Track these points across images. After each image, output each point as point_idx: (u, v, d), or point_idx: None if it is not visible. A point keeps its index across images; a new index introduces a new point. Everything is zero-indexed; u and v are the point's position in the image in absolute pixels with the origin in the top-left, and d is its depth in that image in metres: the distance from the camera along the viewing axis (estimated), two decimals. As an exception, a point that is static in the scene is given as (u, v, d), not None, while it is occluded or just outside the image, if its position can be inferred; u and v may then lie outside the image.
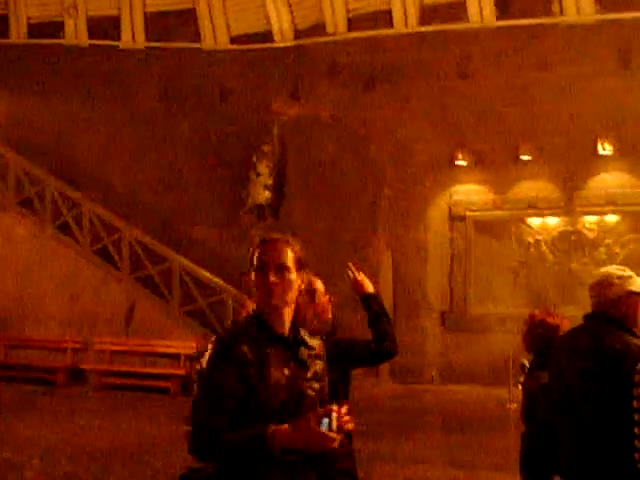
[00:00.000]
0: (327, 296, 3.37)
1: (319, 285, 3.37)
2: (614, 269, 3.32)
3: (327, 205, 12.14)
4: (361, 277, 3.60)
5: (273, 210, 12.42)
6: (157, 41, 13.15)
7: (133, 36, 13.35)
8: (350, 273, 3.60)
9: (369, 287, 3.57)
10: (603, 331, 3.20)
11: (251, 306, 8.34)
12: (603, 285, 3.26)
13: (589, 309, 3.29)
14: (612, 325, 3.22)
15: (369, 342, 3.44)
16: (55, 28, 13.75)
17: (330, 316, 3.40)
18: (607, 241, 11.07)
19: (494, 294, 11.56)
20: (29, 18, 13.92)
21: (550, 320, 4.01)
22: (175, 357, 11.54)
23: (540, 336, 4.03)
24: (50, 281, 12.24)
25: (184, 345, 11.49)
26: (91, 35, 13.51)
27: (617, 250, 10.96)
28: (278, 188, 12.35)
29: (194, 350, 11.25)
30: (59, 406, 10.15)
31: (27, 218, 12.71)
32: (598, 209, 11.10)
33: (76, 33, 13.57)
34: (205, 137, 12.84)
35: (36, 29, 13.95)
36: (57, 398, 10.77)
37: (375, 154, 12.01)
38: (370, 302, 3.51)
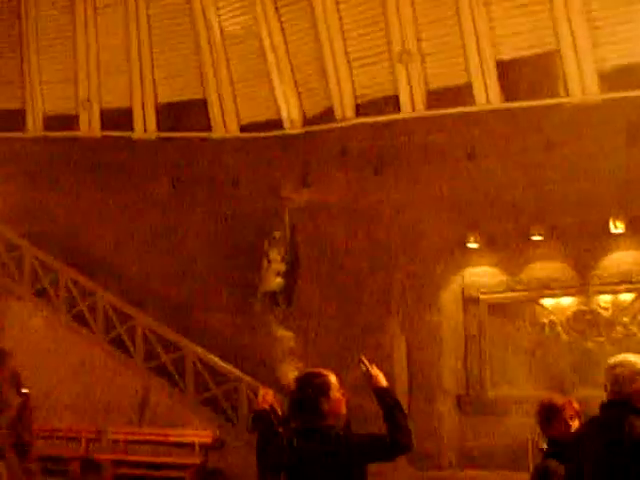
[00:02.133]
0: (341, 390, 3.71)
1: (333, 379, 3.72)
2: (633, 358, 3.52)
3: (339, 290, 12.52)
4: (374, 371, 3.86)
5: (286, 296, 12.84)
6: (168, 131, 13.99)
7: (145, 127, 14.24)
8: (363, 366, 3.84)
9: (382, 381, 3.84)
10: (631, 422, 3.34)
11: (265, 399, 8.53)
12: (626, 379, 3.43)
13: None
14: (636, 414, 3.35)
15: (384, 437, 3.68)
16: (70, 121, 14.71)
17: (344, 411, 3.76)
18: (623, 319, 11.27)
19: (510, 376, 11.78)
20: (45, 112, 14.93)
21: (556, 402, 4.30)
22: (190, 446, 12.02)
23: (549, 420, 4.34)
24: (64, 370, 12.89)
25: (199, 434, 11.97)
26: (104, 127, 14.47)
27: (634, 329, 11.18)
28: (290, 274, 12.78)
29: (209, 439, 11.86)
30: (73, 499, 10.66)
31: (42, 308, 13.47)
32: (612, 287, 11.32)
33: (90, 125, 14.56)
34: (216, 224, 13.47)
35: (52, 122, 14.92)
36: (71, 490, 11.33)
37: (385, 238, 12.41)
38: (383, 396, 3.76)
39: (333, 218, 12.79)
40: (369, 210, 12.60)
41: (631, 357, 3.62)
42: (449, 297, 12.23)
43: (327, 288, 12.65)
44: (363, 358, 3.82)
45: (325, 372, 3.75)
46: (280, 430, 8.99)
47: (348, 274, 12.53)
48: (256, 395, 9.86)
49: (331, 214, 12.80)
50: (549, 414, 4.34)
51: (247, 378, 12.05)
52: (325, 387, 3.67)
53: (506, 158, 12.02)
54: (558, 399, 4.44)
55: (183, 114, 14.10)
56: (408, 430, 3.69)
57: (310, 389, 3.71)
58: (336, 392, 3.71)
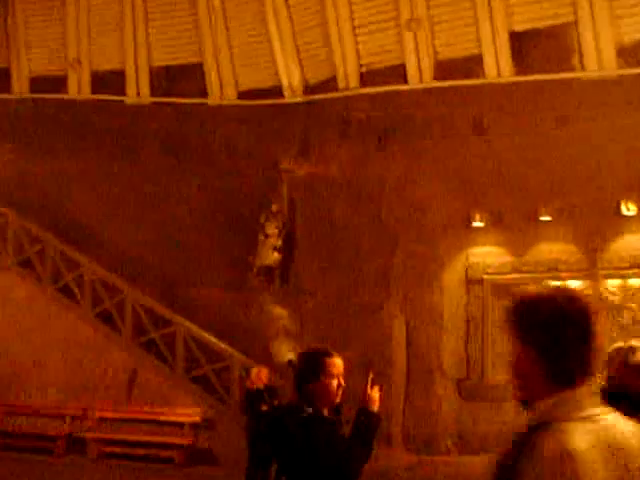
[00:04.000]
0: (336, 376, 3.74)
1: (330, 361, 3.75)
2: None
3: (338, 267, 12.75)
4: (373, 393, 3.91)
5: (282, 272, 13.07)
6: (163, 96, 14.13)
7: (138, 91, 14.39)
8: (366, 386, 3.90)
9: (374, 405, 3.89)
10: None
11: (259, 376, 8.74)
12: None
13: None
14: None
15: (336, 456, 3.71)
16: (59, 83, 14.86)
17: (333, 398, 3.80)
18: (631, 305, 11.59)
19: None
20: (32, 72, 15.08)
21: None
22: (179, 425, 12.32)
23: None
24: (49, 345, 13.13)
25: (188, 413, 12.25)
26: (95, 90, 14.63)
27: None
28: (287, 249, 13.01)
29: (199, 418, 12.18)
30: (57, 476, 11.02)
31: (27, 279, 13.69)
32: (622, 272, 11.61)
33: (79, 88, 14.74)
34: (211, 195, 13.64)
35: (39, 84, 15.05)
36: (55, 467, 11.65)
37: (387, 214, 12.67)
38: (364, 420, 3.81)
39: (333, 192, 13.00)
40: (371, 185, 12.81)
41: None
42: (452, 277, 12.47)
43: (325, 265, 12.83)
44: (370, 376, 3.92)
45: (328, 352, 3.82)
46: (274, 407, 9.07)
47: (347, 251, 12.73)
48: (249, 374, 10.56)
49: (331, 188, 13.00)
50: None
51: (240, 356, 12.28)
52: (318, 368, 3.75)
53: (516, 134, 12.21)
54: None
55: (178, 79, 14.23)
56: (360, 462, 3.77)
57: (303, 366, 3.82)
58: (328, 376, 3.77)
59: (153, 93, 14.26)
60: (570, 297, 2.19)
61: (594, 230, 11.78)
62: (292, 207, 13.28)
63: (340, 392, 3.71)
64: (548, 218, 12.02)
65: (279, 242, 13.02)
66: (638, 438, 2.13)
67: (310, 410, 3.69)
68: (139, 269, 13.59)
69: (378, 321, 12.38)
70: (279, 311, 13.06)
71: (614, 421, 2.16)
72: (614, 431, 2.13)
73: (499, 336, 12.15)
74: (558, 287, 2.30)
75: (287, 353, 12.37)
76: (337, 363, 3.73)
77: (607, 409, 2.16)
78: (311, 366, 3.74)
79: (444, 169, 12.53)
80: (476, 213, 12.34)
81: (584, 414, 2.12)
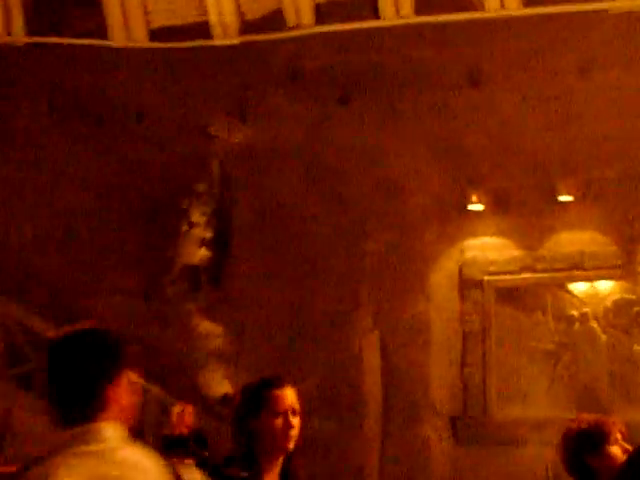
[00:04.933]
0: (288, 418, 3.81)
1: (289, 394, 3.83)
2: None
3: (290, 268, 12.34)
4: None
5: (213, 275, 12.62)
6: (44, 35, 12.76)
7: (9, 28, 13.11)
8: None
9: None
10: None
11: (183, 418, 8.19)
12: None
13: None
14: None
15: None
16: None
17: (290, 446, 3.85)
18: None
19: (525, 391, 11.68)
20: None
21: (591, 427, 4.20)
22: None
23: (576, 451, 4.24)
24: None
25: None
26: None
27: None
28: (219, 244, 12.58)
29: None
30: None
31: None
32: None
33: None
34: (114, 172, 13.00)
35: None
36: None
37: (355, 196, 12.23)
38: None
39: (282, 167, 12.53)
40: (332, 157, 12.37)
41: None
42: (441, 279, 12.16)
43: (272, 265, 12.43)
44: None
45: (275, 381, 3.88)
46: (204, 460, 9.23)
47: (302, 246, 12.35)
48: (169, 414, 10.35)
49: (279, 161, 12.52)
50: (583, 442, 4.21)
51: (155, 390, 11.70)
52: (258, 402, 3.82)
53: (524, 86, 11.82)
54: (597, 420, 4.32)
55: (65, 12, 13.21)
56: None
57: (240, 402, 3.90)
58: (271, 413, 3.80)
59: (30, 31, 12.87)
60: None
61: (632, 212, 11.46)
62: (226, 187, 12.81)
63: (292, 434, 3.76)
64: (569, 198, 11.62)
65: (208, 234, 12.63)
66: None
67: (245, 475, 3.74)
68: (16, 275, 12.75)
69: (344, 339, 12.00)
70: (209, 327, 12.61)
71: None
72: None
73: (506, 356, 11.88)
74: None
75: (221, 385, 12.23)
76: (286, 396, 3.80)
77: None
78: (249, 400, 3.83)
79: (429, 134, 12.09)
80: (473, 192, 11.94)
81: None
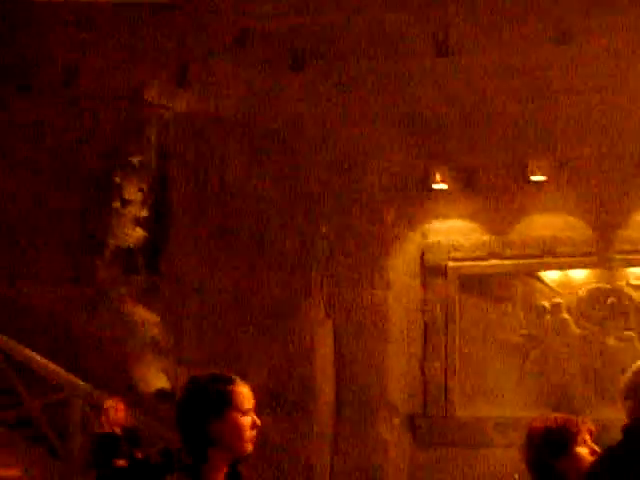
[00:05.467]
0: (253, 416, 3.71)
1: (249, 392, 3.69)
2: None
3: (234, 251, 12.20)
4: None
5: (149, 258, 12.46)
6: None
7: None
8: None
9: None
10: None
11: (115, 415, 8.21)
12: None
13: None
14: None
15: None
16: None
17: (250, 449, 3.73)
18: None
19: (491, 387, 11.62)
20: None
21: (557, 427, 4.19)
22: None
23: (541, 452, 4.23)
24: None
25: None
26: None
27: None
28: (157, 224, 12.42)
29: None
30: None
31: None
32: None
33: None
34: (35, 142, 12.83)
35: None
36: None
37: (307, 171, 12.13)
38: None
39: (227, 139, 12.39)
40: (283, 129, 12.26)
41: None
42: (401, 265, 12.04)
43: (215, 248, 12.28)
44: None
45: (232, 378, 3.68)
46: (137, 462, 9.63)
47: (249, 227, 12.23)
48: (100, 411, 10.23)
49: (224, 133, 12.38)
50: (548, 441, 4.22)
51: (84, 385, 11.50)
52: (223, 399, 3.62)
53: (496, 54, 11.81)
54: (563, 418, 4.30)
55: None
56: None
57: (200, 399, 3.66)
58: (239, 411, 3.61)
59: None
60: None
61: (610, 195, 11.35)
62: (164, 160, 12.56)
63: (255, 435, 3.69)
64: (542, 178, 11.56)
65: (144, 212, 12.43)
66: None
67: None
68: None
69: (293, 330, 11.89)
70: (145, 315, 12.46)
71: None
72: None
73: (471, 350, 11.82)
74: None
75: (157, 379, 12.05)
76: (249, 392, 3.70)
77: None
78: (209, 397, 3.62)
79: (391, 105, 11.98)
80: (437, 170, 11.84)
81: None
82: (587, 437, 4.19)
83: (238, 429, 3.63)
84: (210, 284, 12.00)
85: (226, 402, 3.60)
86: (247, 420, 3.64)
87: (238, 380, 3.66)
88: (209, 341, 12.04)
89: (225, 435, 3.61)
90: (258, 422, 3.64)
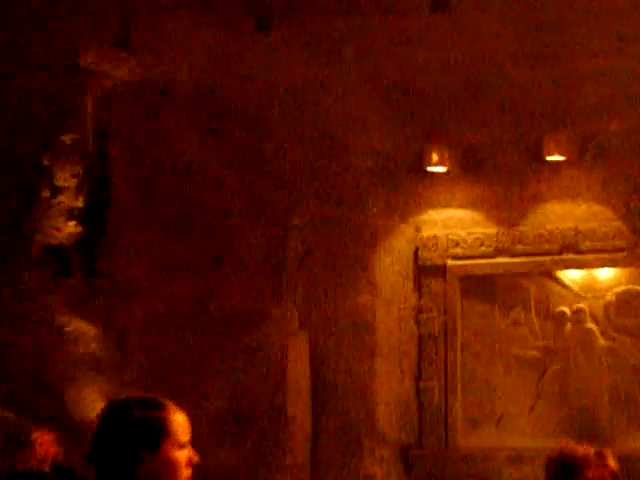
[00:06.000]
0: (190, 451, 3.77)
1: (185, 422, 3.81)
2: None
3: (190, 249, 11.72)
4: None
5: (85, 258, 11.89)
6: None
7: None
8: None
9: None
10: None
11: (42, 448, 9.79)
12: None
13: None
14: None
15: None
16: None
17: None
18: None
19: (500, 412, 11.18)
20: None
21: (576, 453, 4.83)
22: None
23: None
24: None
25: None
26: None
27: None
28: (94, 217, 11.89)
29: None
30: None
31: None
32: None
33: None
34: None
35: None
36: None
37: (278, 152, 11.67)
38: None
39: (180, 114, 11.81)
40: (248, 101, 11.72)
41: None
42: (391, 263, 11.66)
43: (166, 246, 11.75)
44: None
45: (163, 403, 3.65)
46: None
47: (206, 219, 11.73)
48: (25, 443, 9.73)
49: (176, 105, 11.80)
50: (563, 474, 4.76)
51: (5, 414, 11.07)
52: (155, 431, 3.57)
53: (503, 11, 11.16)
54: (581, 450, 4.81)
55: None
56: None
57: (126, 430, 3.56)
58: (175, 445, 3.59)
59: None
60: None
61: None
62: (104, 139, 11.97)
63: (190, 475, 3.68)
64: (561, 157, 11.04)
65: (79, 202, 11.81)
66: None
67: None
68: None
69: (261, 343, 11.34)
70: (81, 327, 11.86)
71: None
72: None
73: (475, 367, 11.46)
74: None
75: (96, 404, 11.26)
76: (185, 421, 3.70)
77: None
78: (141, 429, 3.55)
79: (377, 72, 11.47)
80: (433, 150, 11.43)
81: None
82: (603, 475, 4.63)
83: (173, 466, 3.59)
84: (160, 290, 11.48)
85: (160, 433, 3.55)
86: (183, 456, 3.58)
87: (171, 406, 3.62)
88: (158, 357, 11.49)
89: (158, 474, 3.56)
90: (195, 458, 3.61)
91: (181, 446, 3.60)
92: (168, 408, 3.65)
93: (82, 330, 11.76)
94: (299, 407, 11.22)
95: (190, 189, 11.72)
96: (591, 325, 10.84)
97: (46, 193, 11.80)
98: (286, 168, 11.59)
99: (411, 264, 11.42)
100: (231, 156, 11.64)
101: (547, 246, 10.96)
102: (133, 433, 3.54)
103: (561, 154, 10.81)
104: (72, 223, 11.80)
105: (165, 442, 3.57)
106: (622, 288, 10.80)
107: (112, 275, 11.85)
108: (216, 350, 11.36)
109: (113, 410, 3.66)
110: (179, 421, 3.64)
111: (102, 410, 3.73)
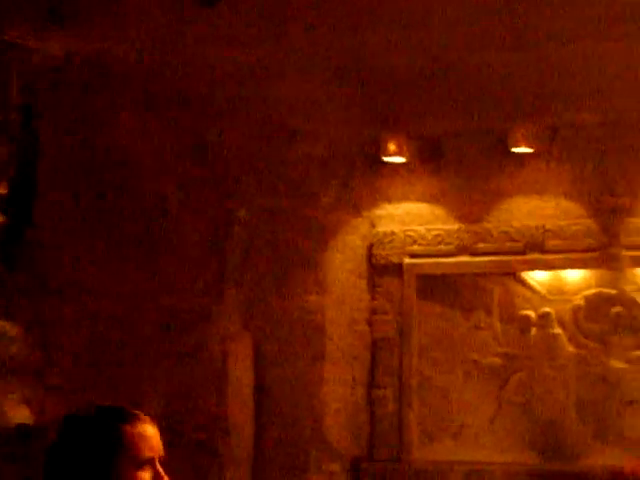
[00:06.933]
0: (157, 469, 3.34)
1: (154, 433, 3.46)
2: None
3: (124, 243, 11.27)
4: None
5: (7, 250, 11.31)
6: None
7: None
8: None
9: None
10: None
11: None
12: None
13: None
14: None
15: None
16: None
17: None
18: None
19: (458, 423, 11.13)
20: None
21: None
22: None
23: None
24: None
25: None
26: None
27: None
28: (18, 205, 11.31)
29: None
30: None
31: None
32: None
33: None
34: None
35: None
36: None
37: (221, 139, 11.31)
38: None
39: (115, 93, 11.21)
40: (189, 82, 11.10)
41: None
42: (342, 260, 11.51)
43: (97, 238, 11.23)
44: None
45: (131, 413, 3.29)
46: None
47: (142, 210, 11.24)
48: None
49: (111, 85, 11.18)
50: None
51: None
52: (113, 447, 3.20)
53: None
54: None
55: None
56: None
57: (79, 445, 3.22)
58: (136, 464, 3.20)
59: None
60: None
61: (617, 173, 10.79)
62: (31, 120, 11.28)
63: None
64: (528, 150, 10.91)
65: (2, 189, 11.14)
66: None
67: None
68: None
69: (199, 346, 10.94)
70: (1, 326, 11.24)
71: None
72: None
73: (433, 374, 11.30)
74: None
75: (16, 411, 10.97)
76: (153, 435, 3.33)
77: None
78: (95, 441, 3.23)
79: (330, 50, 10.67)
80: (391, 138, 11.23)
81: None
82: None
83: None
84: (89, 286, 10.89)
85: (118, 449, 3.24)
86: (146, 475, 3.22)
87: (140, 416, 3.31)
88: (87, 361, 10.90)
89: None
90: (165, 478, 3.30)
91: (140, 464, 3.23)
92: (133, 419, 3.31)
93: (3, 330, 11.19)
94: (241, 416, 10.93)
95: (125, 177, 11.23)
96: (558, 330, 10.71)
97: (-40, 180, 11.77)
98: (230, 156, 11.22)
99: (365, 262, 11.32)
100: (171, 142, 11.18)
101: (512, 245, 10.84)
102: (85, 449, 3.23)
103: (528, 146, 10.69)
104: (-6, 212, 11.79)
105: (121, 459, 3.22)
106: (592, 291, 10.69)
107: (37, 270, 11.28)
108: (151, 353, 10.96)
109: (67, 422, 3.32)
110: (140, 434, 3.28)
111: (69, 419, 3.38)
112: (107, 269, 11.10)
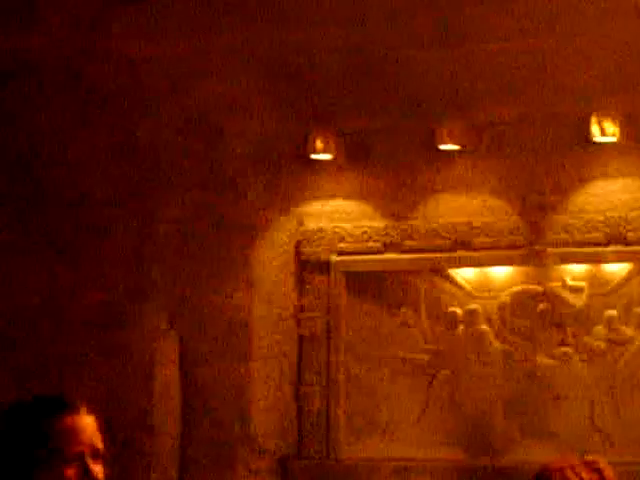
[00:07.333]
0: (86, 463, 3.31)
1: (89, 424, 3.44)
2: None
3: (46, 239, 11.19)
4: None
5: None
6: None
7: None
8: None
9: None
10: None
11: None
12: None
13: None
14: None
15: None
16: None
17: None
18: (610, 313, 10.55)
19: (386, 420, 10.90)
20: None
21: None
22: None
23: None
24: None
25: None
26: None
27: (630, 332, 10.40)
28: None
29: None
30: None
31: None
32: (591, 249, 10.62)
33: None
34: None
35: None
36: None
37: (146, 134, 11.16)
38: None
39: (39, 89, 11.16)
40: (113, 76, 11.04)
41: None
42: (270, 258, 11.35)
43: (22, 233, 11.25)
44: None
45: (65, 403, 3.30)
46: None
47: (66, 206, 11.16)
48: None
49: (34, 80, 11.13)
50: None
51: None
52: (41, 439, 3.24)
53: None
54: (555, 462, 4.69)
55: None
56: None
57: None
58: (65, 458, 3.20)
59: None
60: None
61: (544, 171, 10.75)
62: None
63: None
64: (455, 147, 10.83)
65: None
66: None
67: None
68: None
69: (124, 344, 10.87)
70: None
71: None
72: None
73: (360, 371, 11.17)
74: None
75: None
76: (85, 427, 3.30)
77: None
78: (20, 434, 3.24)
79: (256, 48, 10.81)
80: (318, 135, 11.11)
81: None
82: None
83: None
84: (11, 283, 10.91)
85: (36, 443, 3.21)
86: (73, 471, 3.17)
87: (74, 408, 3.28)
88: (10, 361, 10.85)
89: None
90: (95, 474, 3.20)
91: (66, 459, 3.19)
92: (64, 411, 3.28)
93: None
94: (167, 415, 10.78)
95: (49, 174, 11.15)
96: (484, 327, 10.58)
97: None
98: (156, 152, 11.13)
99: (292, 259, 11.11)
100: (96, 137, 11.07)
101: (439, 242, 10.67)
102: (7, 442, 3.23)
103: (455, 143, 10.53)
104: None
105: (44, 453, 3.20)
106: (518, 288, 10.60)
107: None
108: (74, 352, 10.85)
109: (2, 416, 3.34)
110: (74, 428, 3.24)
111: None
112: (31, 267, 11.04)
